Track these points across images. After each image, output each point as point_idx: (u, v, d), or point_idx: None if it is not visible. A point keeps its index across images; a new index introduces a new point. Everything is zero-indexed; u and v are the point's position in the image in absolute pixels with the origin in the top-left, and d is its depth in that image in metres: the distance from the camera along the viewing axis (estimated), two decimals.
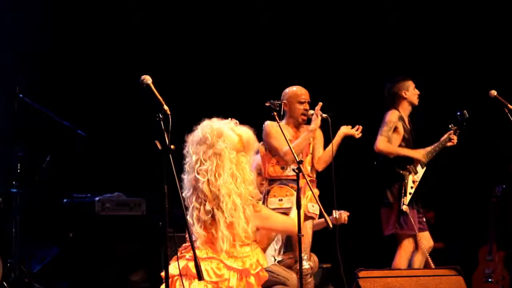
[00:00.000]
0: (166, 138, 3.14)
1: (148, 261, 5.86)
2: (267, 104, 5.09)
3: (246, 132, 3.57)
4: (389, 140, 5.73)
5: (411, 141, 5.81)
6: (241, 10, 7.25)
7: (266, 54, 7.20)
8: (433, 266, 5.47)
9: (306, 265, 4.80)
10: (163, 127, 3.14)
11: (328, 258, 5.55)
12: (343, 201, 6.97)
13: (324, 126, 5.00)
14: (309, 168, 5.15)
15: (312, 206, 5.00)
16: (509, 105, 5.25)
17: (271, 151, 5.03)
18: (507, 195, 7.16)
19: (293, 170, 4.29)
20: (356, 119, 7.11)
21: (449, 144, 5.79)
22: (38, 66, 6.56)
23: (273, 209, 4.95)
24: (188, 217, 3.48)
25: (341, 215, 5.35)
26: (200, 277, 3.13)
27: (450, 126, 5.84)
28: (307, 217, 4.89)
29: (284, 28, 7.31)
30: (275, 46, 7.25)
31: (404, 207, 5.61)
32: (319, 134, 5.22)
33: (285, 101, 5.12)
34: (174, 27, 7.10)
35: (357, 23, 7.38)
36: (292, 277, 5.18)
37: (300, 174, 3.93)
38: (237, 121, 3.63)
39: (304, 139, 4.93)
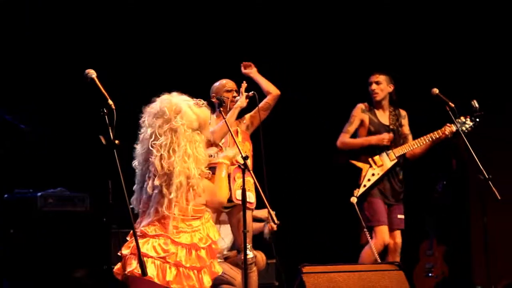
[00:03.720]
0: (111, 133, 3.11)
1: (91, 257, 5.79)
2: (213, 100, 5.12)
3: (203, 112, 3.60)
4: (349, 135, 5.76)
5: (384, 133, 5.77)
6: None
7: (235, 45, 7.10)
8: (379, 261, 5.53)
9: (250, 254, 4.82)
10: (107, 121, 3.11)
11: (273, 254, 5.58)
12: (295, 197, 7.06)
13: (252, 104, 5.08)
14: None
15: (241, 193, 4.95)
16: (450, 103, 5.33)
17: None
18: (448, 191, 7.33)
19: (239, 166, 4.30)
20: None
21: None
22: None
23: None
24: (134, 187, 3.50)
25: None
26: (144, 272, 3.12)
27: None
28: (240, 207, 4.85)
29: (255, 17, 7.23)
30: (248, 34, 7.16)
31: (352, 198, 5.62)
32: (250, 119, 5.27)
33: (213, 94, 5.19)
34: (120, 18, 6.98)
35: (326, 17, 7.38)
36: (238, 276, 5.19)
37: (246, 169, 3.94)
38: (204, 102, 3.65)
39: (231, 115, 5.00)
